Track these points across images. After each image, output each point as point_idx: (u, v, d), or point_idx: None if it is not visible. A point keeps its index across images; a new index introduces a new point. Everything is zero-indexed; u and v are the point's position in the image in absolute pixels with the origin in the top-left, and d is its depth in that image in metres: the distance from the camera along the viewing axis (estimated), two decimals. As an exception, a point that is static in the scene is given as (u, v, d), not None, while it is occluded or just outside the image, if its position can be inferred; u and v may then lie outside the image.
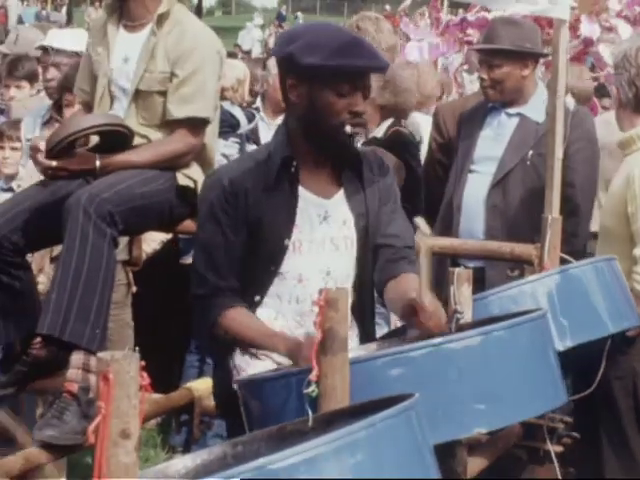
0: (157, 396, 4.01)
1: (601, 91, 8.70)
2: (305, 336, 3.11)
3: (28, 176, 5.19)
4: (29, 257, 4.42)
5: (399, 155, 5.18)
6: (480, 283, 4.53)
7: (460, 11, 8.93)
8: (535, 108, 5.15)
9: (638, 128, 4.29)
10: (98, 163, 4.05)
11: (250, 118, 6.63)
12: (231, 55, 10.26)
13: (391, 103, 5.42)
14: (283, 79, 3.34)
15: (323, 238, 3.40)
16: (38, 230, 4.03)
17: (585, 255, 4.85)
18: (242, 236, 3.35)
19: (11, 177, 6.03)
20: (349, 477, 2.02)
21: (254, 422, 2.98)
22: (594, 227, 5.17)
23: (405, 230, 3.59)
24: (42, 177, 4.14)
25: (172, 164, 4.19)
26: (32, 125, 5.77)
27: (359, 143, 3.51)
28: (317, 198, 3.41)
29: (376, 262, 3.48)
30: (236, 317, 3.33)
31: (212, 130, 4.34)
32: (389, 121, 5.44)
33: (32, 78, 7.06)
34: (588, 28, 8.20)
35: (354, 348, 3.27)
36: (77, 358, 3.71)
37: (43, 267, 5.06)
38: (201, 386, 4.27)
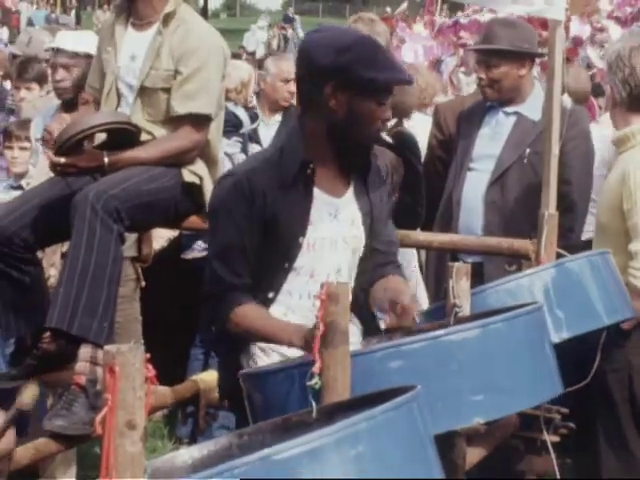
0: (163, 388, 4.01)
1: (597, 90, 8.70)
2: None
3: (38, 175, 5.18)
4: (40, 252, 4.42)
5: (401, 153, 5.17)
6: (479, 277, 4.53)
7: (459, 13, 8.91)
8: (532, 107, 5.15)
9: (632, 126, 4.29)
10: (106, 160, 4.06)
11: (253, 118, 6.63)
12: (235, 56, 10.28)
13: (394, 103, 5.41)
14: (315, 84, 3.31)
15: (335, 236, 3.41)
16: (47, 226, 4.03)
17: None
18: (257, 235, 3.33)
19: (20, 175, 6.03)
20: (351, 467, 2.01)
21: (258, 414, 2.98)
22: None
23: (395, 236, 3.68)
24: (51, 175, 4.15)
25: (178, 160, 4.19)
26: (41, 125, 5.76)
27: None
28: (329, 197, 3.42)
29: (365, 263, 3.53)
30: (248, 312, 3.31)
31: (216, 128, 4.34)
32: (392, 121, 5.42)
33: (41, 80, 7.06)
34: (578, 29, 8.21)
35: (355, 343, 3.28)
36: (85, 351, 3.72)
37: (54, 262, 5.05)
38: (207, 378, 4.27)
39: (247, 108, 7.01)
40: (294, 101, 7.12)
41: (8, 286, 4.05)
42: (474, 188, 5.22)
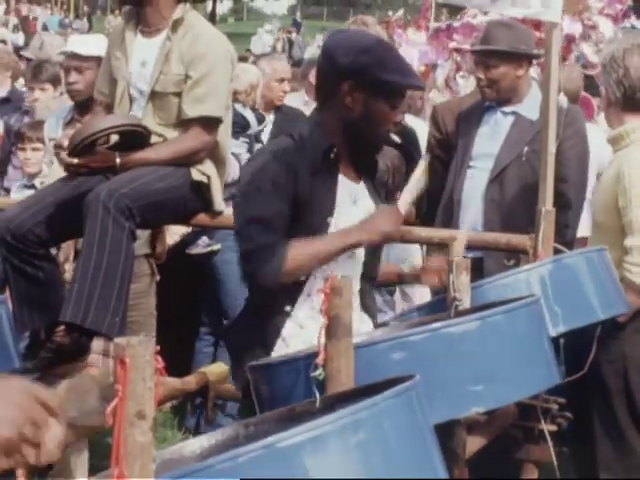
0: (173, 380, 4.01)
1: (596, 90, 8.65)
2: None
3: (54, 174, 5.19)
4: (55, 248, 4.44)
5: (403, 147, 5.18)
6: (479, 272, 4.53)
7: (458, 17, 8.87)
8: (529, 107, 5.15)
9: (627, 125, 4.29)
10: (118, 161, 4.08)
11: (260, 120, 6.63)
12: (242, 59, 10.28)
13: None
14: (334, 81, 3.37)
15: (354, 220, 3.44)
16: (60, 224, 4.05)
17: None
18: (288, 210, 3.33)
19: (33, 175, 6.04)
20: (353, 454, 2.02)
21: (265, 405, 2.98)
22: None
23: None
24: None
25: (187, 161, 4.20)
26: (55, 125, 5.77)
27: None
28: (349, 182, 3.48)
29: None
30: (299, 245, 3.30)
31: (224, 129, 4.35)
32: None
33: (55, 81, 7.07)
34: (569, 26, 8.16)
35: (367, 333, 3.31)
36: (98, 344, 3.74)
37: (69, 256, 5.07)
38: (215, 370, 4.27)
39: (253, 110, 7.01)
40: (286, 100, 7.17)
41: (23, 281, 4.06)
42: (474, 186, 5.23)
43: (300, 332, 3.36)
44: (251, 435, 2.58)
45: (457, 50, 8.43)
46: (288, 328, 3.37)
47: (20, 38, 25.76)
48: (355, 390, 2.65)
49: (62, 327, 3.80)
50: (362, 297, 3.51)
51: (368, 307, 3.57)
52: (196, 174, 4.21)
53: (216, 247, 5.96)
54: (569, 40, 8.14)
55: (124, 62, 4.32)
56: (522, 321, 3.08)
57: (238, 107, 6.19)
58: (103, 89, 4.48)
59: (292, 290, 3.36)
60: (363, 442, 2.01)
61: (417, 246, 5.62)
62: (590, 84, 7.88)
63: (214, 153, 4.30)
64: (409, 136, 5.43)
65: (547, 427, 3.80)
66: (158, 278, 5.41)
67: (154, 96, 4.25)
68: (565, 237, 4.83)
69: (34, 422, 1.71)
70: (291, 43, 33.06)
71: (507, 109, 5.25)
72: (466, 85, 9.00)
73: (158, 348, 1.87)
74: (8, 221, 4.04)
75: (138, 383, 1.83)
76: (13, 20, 29.61)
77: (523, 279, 3.79)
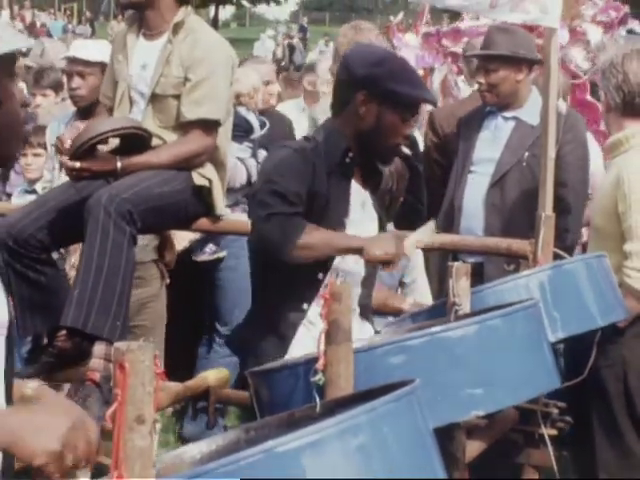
0: (175, 384, 4.01)
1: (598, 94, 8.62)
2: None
3: (59, 178, 5.20)
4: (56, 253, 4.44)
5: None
6: (479, 277, 4.53)
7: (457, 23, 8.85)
8: (530, 112, 5.15)
9: (626, 130, 4.28)
10: (119, 164, 4.08)
11: (262, 125, 6.63)
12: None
13: None
14: (349, 90, 3.46)
15: (364, 222, 3.55)
16: (62, 228, 4.05)
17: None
18: (305, 197, 3.40)
19: (34, 181, 6.05)
20: (353, 458, 2.02)
21: (265, 409, 2.98)
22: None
23: None
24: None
25: (188, 164, 4.20)
26: (57, 130, 5.76)
27: None
28: (359, 187, 3.57)
29: None
30: (315, 228, 3.37)
31: (224, 133, 4.35)
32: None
33: (57, 87, 7.08)
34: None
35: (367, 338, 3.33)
36: (99, 349, 3.74)
37: (74, 263, 5.07)
38: (216, 375, 4.26)
39: (257, 114, 7.00)
40: (273, 102, 7.19)
41: (25, 286, 4.06)
42: (475, 191, 5.23)
43: (311, 328, 3.38)
44: (252, 440, 2.58)
45: (453, 54, 8.41)
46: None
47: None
48: (355, 395, 2.65)
49: (63, 332, 3.80)
50: (362, 301, 3.54)
51: (366, 312, 3.60)
52: (197, 178, 4.21)
53: (222, 254, 5.95)
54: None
55: (125, 65, 4.33)
56: (521, 325, 3.08)
57: (242, 110, 6.19)
58: (108, 93, 4.49)
59: (311, 288, 3.39)
60: (363, 446, 2.01)
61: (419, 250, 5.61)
62: (597, 89, 7.87)
63: (215, 157, 4.30)
64: (410, 141, 5.43)
65: (547, 431, 3.80)
66: (168, 281, 5.41)
67: (154, 99, 4.25)
68: (565, 242, 4.83)
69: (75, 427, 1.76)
70: (292, 49, 33.10)
71: (508, 114, 5.26)
72: (469, 89, 8.99)
73: (157, 353, 1.87)
74: (10, 226, 4.04)
75: (137, 388, 1.83)
76: (18, 26, 29.67)
77: (523, 284, 3.78)
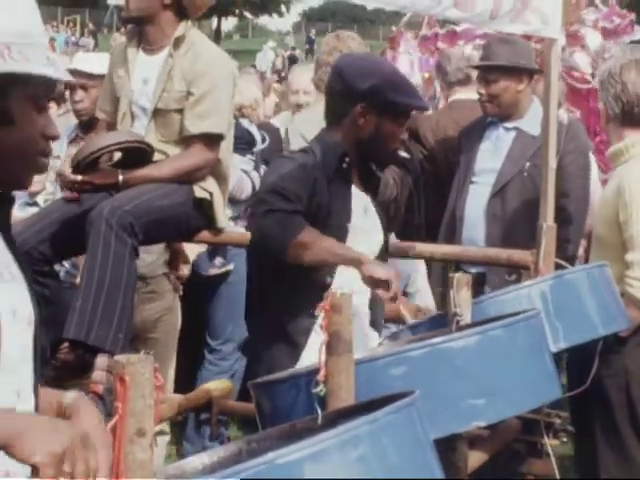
0: (177, 396, 4.01)
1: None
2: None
3: (59, 192, 5.21)
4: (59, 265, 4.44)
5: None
6: (481, 287, 4.53)
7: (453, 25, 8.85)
8: (531, 122, 5.16)
9: (626, 140, 4.28)
10: (121, 178, 4.08)
11: (263, 139, 6.64)
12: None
13: None
14: (347, 102, 3.50)
15: (368, 229, 3.59)
16: (64, 241, 4.06)
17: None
18: (306, 201, 3.44)
19: (35, 193, 6.05)
20: (353, 469, 2.02)
21: (267, 420, 2.98)
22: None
23: None
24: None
25: (190, 178, 4.21)
26: (59, 143, 5.78)
27: None
28: (360, 192, 3.60)
29: None
30: (314, 231, 3.40)
31: (226, 146, 4.36)
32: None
33: (59, 99, 7.07)
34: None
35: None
36: (102, 361, 3.74)
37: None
38: (219, 386, 4.26)
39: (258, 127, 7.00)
40: (276, 119, 7.19)
41: (27, 299, 4.06)
42: (476, 201, 5.24)
43: (322, 333, 3.39)
44: (254, 451, 2.58)
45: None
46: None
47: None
48: (356, 406, 2.65)
49: (66, 344, 3.81)
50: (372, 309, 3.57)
51: (376, 321, 3.61)
52: (199, 191, 4.22)
53: (230, 267, 5.95)
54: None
55: (127, 80, 4.33)
56: (522, 335, 3.08)
57: (244, 122, 6.20)
58: (105, 107, 4.50)
59: (320, 293, 3.39)
60: (363, 457, 2.01)
61: (421, 260, 5.62)
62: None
63: (216, 170, 4.30)
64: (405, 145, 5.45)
65: (550, 442, 3.80)
66: (181, 292, 5.42)
67: (156, 113, 4.26)
68: (567, 252, 4.83)
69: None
70: (294, 60, 33.14)
71: (509, 124, 5.27)
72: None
73: (157, 366, 1.87)
74: (12, 239, 4.04)
75: (138, 401, 1.83)
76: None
77: (524, 295, 3.78)
